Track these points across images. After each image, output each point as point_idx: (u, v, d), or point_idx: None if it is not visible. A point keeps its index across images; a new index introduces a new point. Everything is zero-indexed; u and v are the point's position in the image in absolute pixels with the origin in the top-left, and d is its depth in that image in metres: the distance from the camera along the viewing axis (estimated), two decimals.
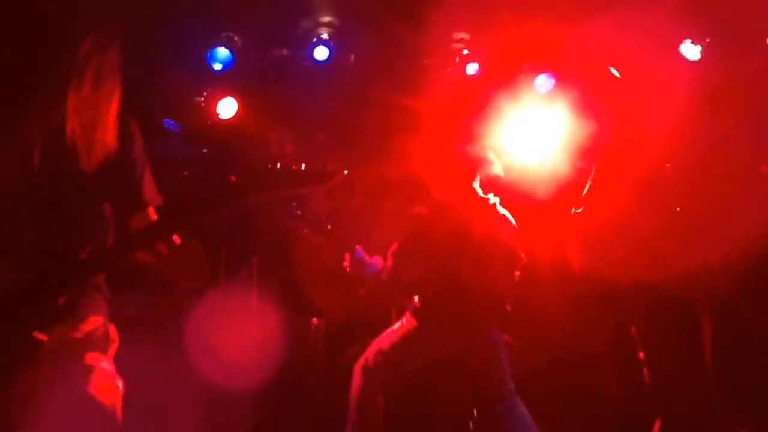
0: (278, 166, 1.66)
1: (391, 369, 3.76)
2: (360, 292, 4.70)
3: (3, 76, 1.60)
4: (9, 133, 1.61)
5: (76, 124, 1.63)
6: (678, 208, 2.88)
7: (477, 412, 4.09)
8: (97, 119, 1.67)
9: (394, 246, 3.78)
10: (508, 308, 3.75)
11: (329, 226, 5.13)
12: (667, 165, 2.96)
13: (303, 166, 1.66)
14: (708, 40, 4.41)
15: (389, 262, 3.79)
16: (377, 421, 3.75)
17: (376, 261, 4.24)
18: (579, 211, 3.15)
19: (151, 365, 3.34)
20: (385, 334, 3.89)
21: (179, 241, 1.58)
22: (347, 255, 4.34)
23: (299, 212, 4.99)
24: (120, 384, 1.73)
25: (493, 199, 3.84)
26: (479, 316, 3.69)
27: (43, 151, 1.64)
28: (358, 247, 4.47)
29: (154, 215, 1.78)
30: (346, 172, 1.69)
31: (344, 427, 3.82)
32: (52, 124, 1.63)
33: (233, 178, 1.63)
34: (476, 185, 3.82)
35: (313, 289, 5.00)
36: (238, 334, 4.34)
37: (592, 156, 4.00)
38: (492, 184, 3.90)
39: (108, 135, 1.69)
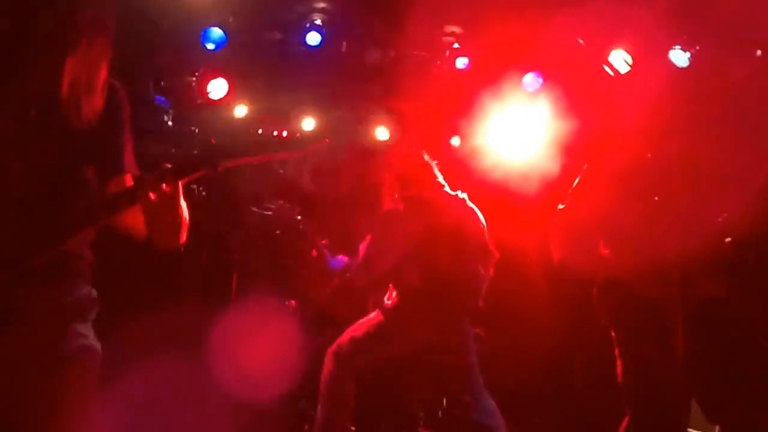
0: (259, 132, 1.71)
1: (362, 357, 3.78)
2: (334, 282, 4.73)
3: (10, 38, 1.68)
4: (10, 88, 1.68)
5: (70, 84, 1.70)
6: (656, 200, 2.91)
7: (445, 401, 4.13)
8: (88, 82, 1.73)
9: (368, 239, 3.80)
10: (481, 303, 3.77)
11: (310, 214, 5.15)
12: (648, 155, 2.99)
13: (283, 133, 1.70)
14: (698, 47, 4.45)
15: (361, 254, 3.81)
16: (347, 408, 3.76)
17: (341, 258, 4.28)
18: (563, 206, 3.19)
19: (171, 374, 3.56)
20: (359, 322, 3.91)
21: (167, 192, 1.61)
22: (314, 249, 4.41)
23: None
24: (98, 347, 1.75)
25: (462, 194, 3.87)
26: (455, 308, 3.72)
27: (39, 107, 1.69)
28: (324, 242, 4.53)
29: (130, 181, 1.80)
30: (327, 140, 1.72)
31: (315, 410, 3.84)
32: (51, 82, 1.69)
33: (213, 141, 1.66)
34: (441, 180, 3.86)
35: (293, 273, 5.02)
36: (260, 346, 4.37)
37: (578, 153, 4.05)
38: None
39: (96, 98, 1.75)
